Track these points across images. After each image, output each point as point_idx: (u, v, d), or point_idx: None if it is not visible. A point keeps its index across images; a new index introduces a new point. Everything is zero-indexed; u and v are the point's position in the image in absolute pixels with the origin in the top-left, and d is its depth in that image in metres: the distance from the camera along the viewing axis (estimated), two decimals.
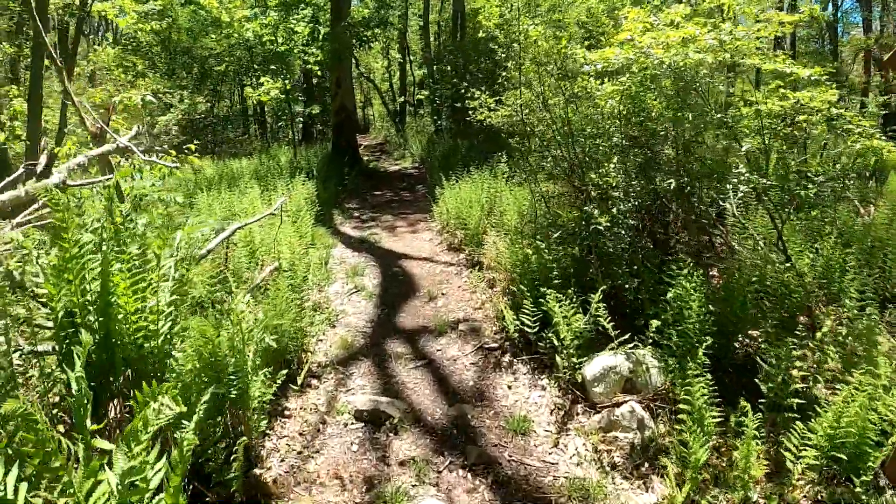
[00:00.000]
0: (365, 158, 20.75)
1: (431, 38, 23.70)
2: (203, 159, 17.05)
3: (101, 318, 3.19)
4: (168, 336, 3.42)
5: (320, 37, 15.29)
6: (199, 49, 20.66)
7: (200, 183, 12.59)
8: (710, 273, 5.42)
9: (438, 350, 5.59)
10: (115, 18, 10.48)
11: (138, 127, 5.65)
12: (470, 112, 10.77)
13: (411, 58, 28.99)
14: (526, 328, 5.07)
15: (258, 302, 5.60)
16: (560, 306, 4.61)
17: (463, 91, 11.59)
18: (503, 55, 14.63)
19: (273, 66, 15.66)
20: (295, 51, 15.93)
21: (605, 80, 5.56)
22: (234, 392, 3.67)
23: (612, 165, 5.03)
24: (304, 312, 6.08)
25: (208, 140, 20.14)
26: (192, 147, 5.60)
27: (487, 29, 15.30)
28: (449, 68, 20.75)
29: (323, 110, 20.75)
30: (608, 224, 4.77)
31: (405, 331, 6.09)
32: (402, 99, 27.44)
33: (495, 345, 5.49)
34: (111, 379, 3.27)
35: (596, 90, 5.55)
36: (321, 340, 5.88)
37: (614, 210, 4.84)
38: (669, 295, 4.55)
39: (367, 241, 9.57)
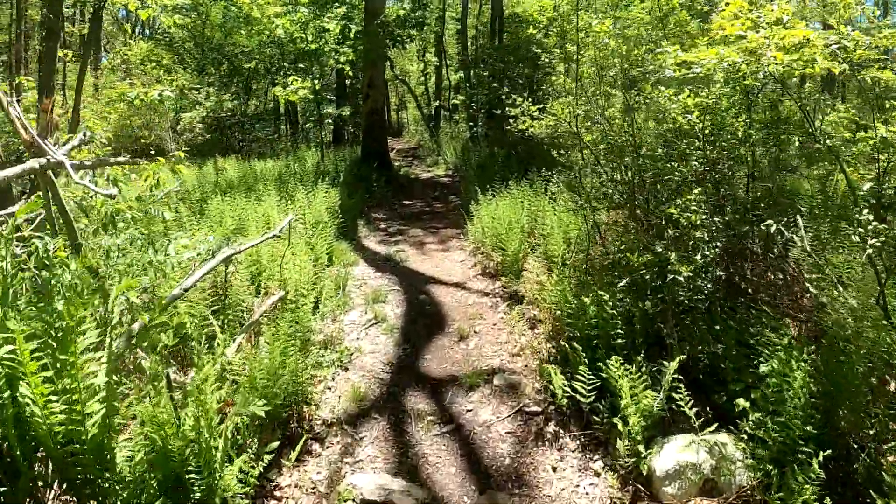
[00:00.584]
0: (396, 164, 19.86)
1: (468, 43, 22.73)
2: (227, 159, 16.33)
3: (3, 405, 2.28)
4: (104, 425, 2.49)
5: (351, 34, 14.45)
6: (230, 46, 19.98)
7: (220, 185, 11.79)
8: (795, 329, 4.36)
9: (468, 410, 4.61)
10: (135, 10, 9.61)
11: (84, 134, 4.70)
12: (510, 120, 9.81)
13: (447, 62, 28.07)
14: (579, 396, 4.06)
15: (254, 346, 4.69)
16: (627, 378, 3.60)
17: (503, 97, 10.64)
18: (547, 59, 13.60)
19: (302, 65, 14.83)
20: (326, 49, 15.07)
21: (684, 90, 4.53)
22: (198, 492, 2.74)
23: (693, 197, 4.00)
24: (309, 353, 5.15)
25: (236, 139, 19.45)
26: (181, 154, 4.67)
27: (537, 22, 14.27)
28: (486, 74, 19.80)
29: (354, 112, 19.91)
30: (689, 274, 3.74)
31: (430, 380, 5.12)
32: (436, 103, 26.54)
33: (537, 408, 4.49)
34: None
35: (670, 102, 4.52)
36: (329, 388, 4.94)
37: (697, 256, 3.80)
38: (763, 368, 3.53)
39: (393, 260, 8.62)
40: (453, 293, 7.13)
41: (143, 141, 18.04)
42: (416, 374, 5.21)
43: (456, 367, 5.29)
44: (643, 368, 3.73)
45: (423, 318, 6.41)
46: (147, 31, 32.49)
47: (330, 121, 17.74)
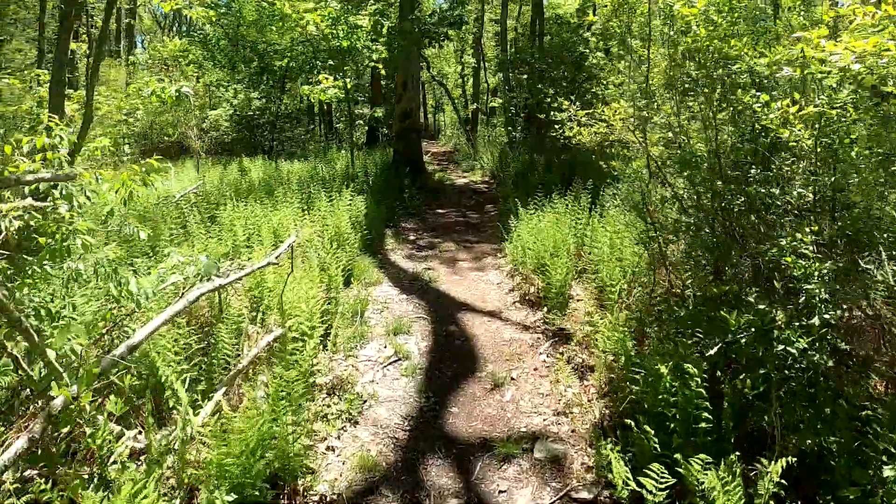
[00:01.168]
0: (431, 168, 19.00)
1: (508, 45, 21.77)
2: (254, 159, 15.63)
3: None
4: None
5: (384, 31, 13.59)
6: (263, 44, 19.32)
7: (242, 188, 11.04)
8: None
9: (501, 491, 3.66)
10: (157, 2, 8.91)
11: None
12: (555, 126, 8.84)
13: (486, 64, 27.12)
14: (645, 492, 3.09)
15: (237, 405, 3.82)
16: (721, 491, 2.64)
17: (545, 101, 9.68)
18: (595, 60, 12.56)
19: (332, 63, 14.03)
20: (358, 46, 14.24)
21: (788, 93, 3.54)
22: None
23: (806, 238, 3.00)
24: (311, 404, 4.29)
25: (266, 139, 18.77)
26: (154, 162, 3.79)
27: (583, 22, 13.31)
28: (525, 76, 18.82)
29: (389, 114, 19.10)
30: (806, 346, 2.75)
31: (455, 443, 4.18)
32: (474, 106, 25.62)
33: (588, 496, 3.53)
34: None
35: (769, 111, 3.52)
36: (333, 449, 4.04)
37: (814, 319, 2.80)
38: (889, 473, 2.56)
39: (421, 280, 7.71)
40: (488, 325, 6.19)
41: (167, 139, 17.46)
42: (440, 435, 4.28)
43: (488, 427, 4.35)
44: (736, 471, 2.76)
45: (452, 357, 5.48)
46: (185, 28, 32.23)
47: (362, 122, 16.86)
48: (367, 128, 23.32)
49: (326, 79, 13.46)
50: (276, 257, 4.84)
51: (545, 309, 6.21)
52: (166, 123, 17.67)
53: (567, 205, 8.13)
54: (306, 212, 8.76)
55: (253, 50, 19.26)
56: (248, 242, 7.02)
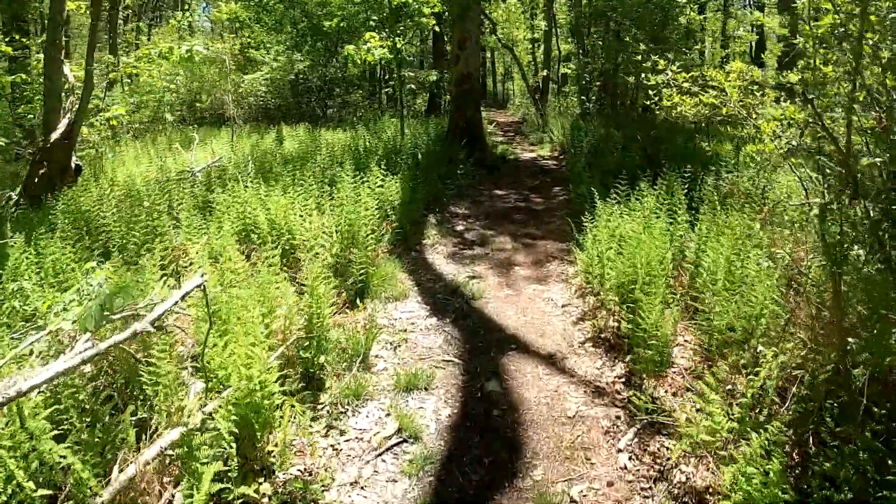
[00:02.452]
0: (495, 140, 16.90)
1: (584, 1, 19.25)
2: (296, 127, 13.90)
3: None
4: None
5: None
6: (312, 4, 17.50)
7: (267, 162, 9.28)
8: None
9: None
10: None
11: None
12: (651, 94, 6.66)
13: (557, 29, 24.53)
14: None
15: None
16: None
17: (637, 61, 7.54)
18: (694, 17, 10.53)
19: (380, 20, 12.09)
20: (413, 2, 12.20)
21: None
22: None
23: None
24: None
25: (312, 105, 17.02)
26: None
27: None
28: (599, 40, 16.39)
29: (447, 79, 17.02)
30: None
31: None
32: (544, 73, 23.17)
33: None
34: None
35: None
36: None
37: None
38: None
39: (461, 294, 5.74)
40: (544, 381, 4.20)
41: (199, 105, 15.90)
42: None
43: None
44: None
45: (485, 442, 3.53)
46: None
47: (414, 86, 14.73)
48: (427, 95, 21.34)
49: (374, 38, 11.55)
50: (184, 295, 2.99)
51: (629, 358, 4.19)
52: (200, 89, 16.11)
53: (659, 198, 6.03)
54: (326, 196, 6.95)
55: (302, 9, 17.49)
56: (224, 245, 5.21)
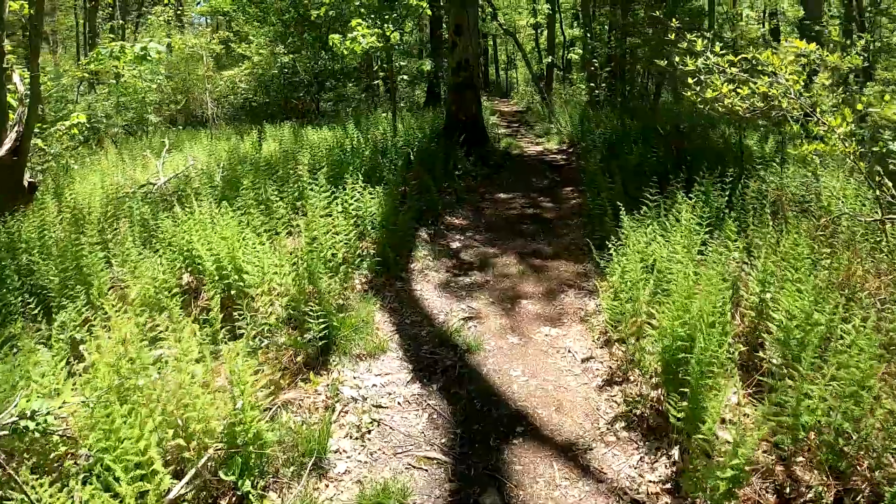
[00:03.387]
0: (498, 132, 15.58)
1: None
2: (279, 126, 12.64)
3: None
4: None
5: None
6: None
7: (238, 172, 8.05)
8: None
9: None
10: None
11: None
12: (689, 80, 5.36)
13: (561, 15, 23.14)
14: None
15: None
16: None
17: (672, 40, 6.26)
18: None
19: (368, 7, 10.81)
20: None
21: None
22: None
23: None
24: None
25: (301, 100, 15.73)
26: None
27: None
28: (608, 25, 15.03)
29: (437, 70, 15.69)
30: None
31: None
32: (549, 59, 21.79)
33: None
34: None
35: None
36: None
37: None
38: None
39: (453, 344, 4.50)
40: (562, 491, 2.97)
41: (174, 106, 14.63)
42: None
43: None
44: None
45: None
46: None
47: (406, 77, 13.22)
48: (426, 85, 19.99)
49: (360, 25, 10.30)
50: None
51: (675, 451, 2.97)
52: (176, 89, 14.85)
53: (696, 208, 4.79)
54: (296, 215, 5.74)
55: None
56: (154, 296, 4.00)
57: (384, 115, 13.04)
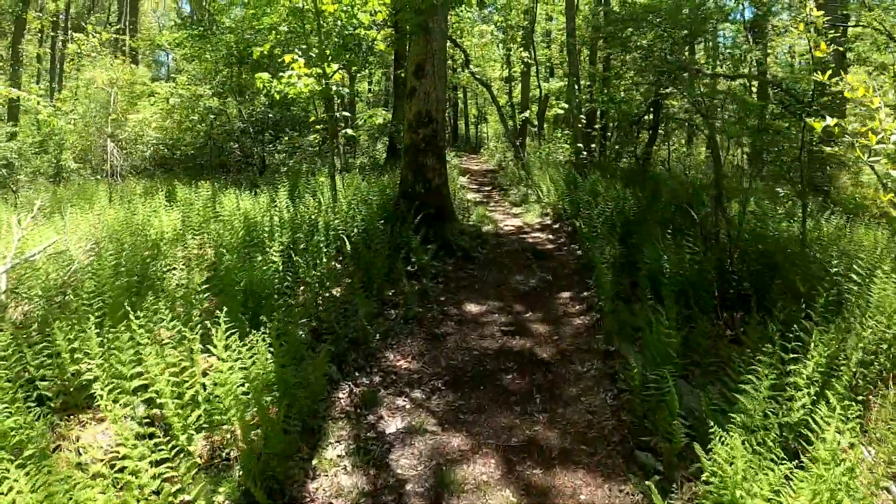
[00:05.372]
0: (468, 197, 12.73)
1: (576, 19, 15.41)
2: (195, 188, 9.59)
3: None
4: None
5: None
6: (239, 23, 13.38)
7: (106, 267, 4.98)
8: None
9: None
10: None
11: None
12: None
13: (538, 67, 20.68)
14: None
15: None
16: None
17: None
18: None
19: (308, 42, 7.94)
20: (344, 15, 8.04)
21: None
22: None
23: None
24: None
25: (234, 154, 12.74)
26: None
27: None
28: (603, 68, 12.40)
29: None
30: None
31: None
32: (524, 115, 19.24)
33: None
34: None
35: None
36: None
37: None
38: None
39: None
40: None
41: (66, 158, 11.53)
42: None
43: None
44: None
45: None
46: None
47: (350, 132, 10.01)
48: (387, 139, 17.17)
49: (296, 62, 7.45)
50: None
51: None
52: (76, 132, 11.77)
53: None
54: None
55: (225, 31, 13.31)
56: None
57: (334, 176, 10.11)
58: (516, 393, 4.27)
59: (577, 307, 5.92)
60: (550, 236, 9.23)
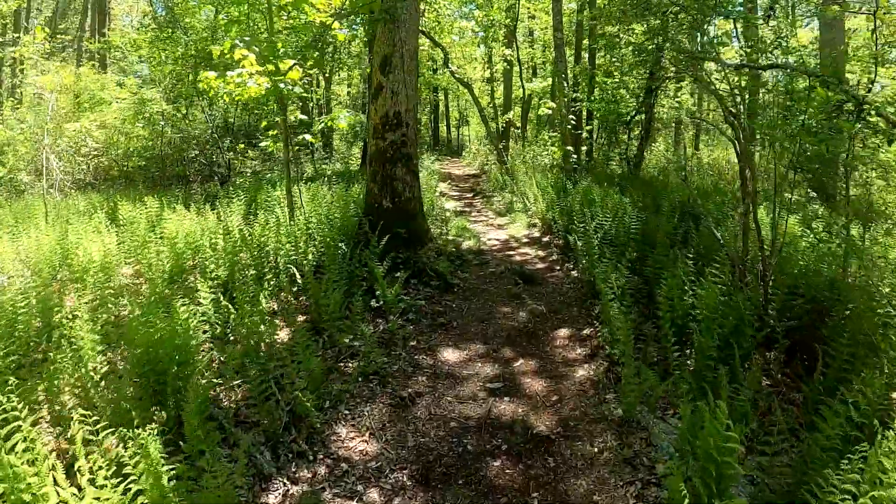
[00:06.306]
0: (448, 205, 11.60)
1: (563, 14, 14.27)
2: (140, 202, 8.26)
3: None
4: None
5: None
6: (199, 27, 12.16)
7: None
8: None
9: None
10: None
11: None
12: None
13: (521, 66, 19.58)
14: None
15: None
16: None
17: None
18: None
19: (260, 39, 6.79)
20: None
21: None
22: None
23: None
24: None
25: (187, 164, 11.49)
26: None
27: None
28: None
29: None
30: None
31: None
32: (507, 116, 18.18)
33: None
34: None
35: None
36: None
37: None
38: None
39: None
40: None
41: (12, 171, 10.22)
42: None
43: None
44: None
45: None
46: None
47: (308, 137, 8.61)
48: (363, 143, 15.96)
49: (247, 59, 6.23)
50: None
51: None
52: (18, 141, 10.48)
53: None
54: None
55: (183, 30, 12.09)
56: None
57: (312, 184, 8.89)
58: (505, 491, 3.12)
59: (580, 351, 4.78)
60: (540, 253, 8.07)
